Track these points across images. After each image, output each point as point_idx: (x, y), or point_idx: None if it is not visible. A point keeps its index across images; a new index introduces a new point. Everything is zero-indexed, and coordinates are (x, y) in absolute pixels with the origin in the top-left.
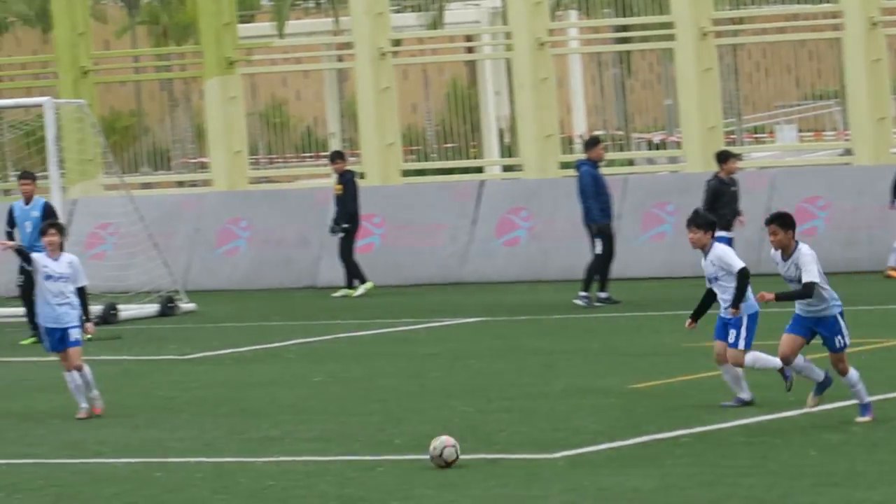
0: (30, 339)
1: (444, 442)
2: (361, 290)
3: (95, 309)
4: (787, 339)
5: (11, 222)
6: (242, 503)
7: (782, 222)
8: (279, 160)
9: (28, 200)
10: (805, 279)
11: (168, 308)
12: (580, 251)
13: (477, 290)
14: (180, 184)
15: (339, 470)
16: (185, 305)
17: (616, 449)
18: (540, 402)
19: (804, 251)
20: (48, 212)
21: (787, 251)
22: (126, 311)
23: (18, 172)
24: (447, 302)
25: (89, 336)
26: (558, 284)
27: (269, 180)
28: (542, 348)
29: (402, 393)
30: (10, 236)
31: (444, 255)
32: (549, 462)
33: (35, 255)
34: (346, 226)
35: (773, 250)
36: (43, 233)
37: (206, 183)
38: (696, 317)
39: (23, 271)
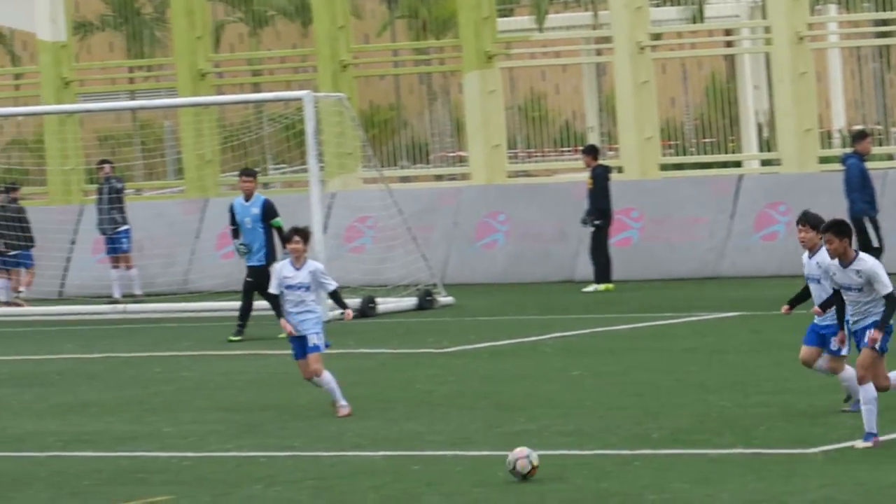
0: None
1: (516, 455)
2: (592, 288)
3: (353, 302)
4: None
5: (233, 220)
6: (500, 496)
7: (837, 230)
8: (537, 154)
9: (248, 197)
10: (883, 291)
11: (426, 301)
12: None
13: (734, 284)
14: (439, 177)
15: (596, 463)
16: (443, 299)
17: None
18: (798, 398)
19: (868, 260)
20: (268, 209)
21: (845, 259)
22: (384, 304)
23: (275, 165)
24: (704, 296)
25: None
26: None
27: (527, 174)
28: (798, 343)
29: (658, 387)
30: (236, 233)
31: (701, 249)
32: (807, 457)
33: (277, 265)
34: (596, 222)
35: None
36: (287, 240)
37: (464, 176)
38: (793, 304)
39: (253, 272)
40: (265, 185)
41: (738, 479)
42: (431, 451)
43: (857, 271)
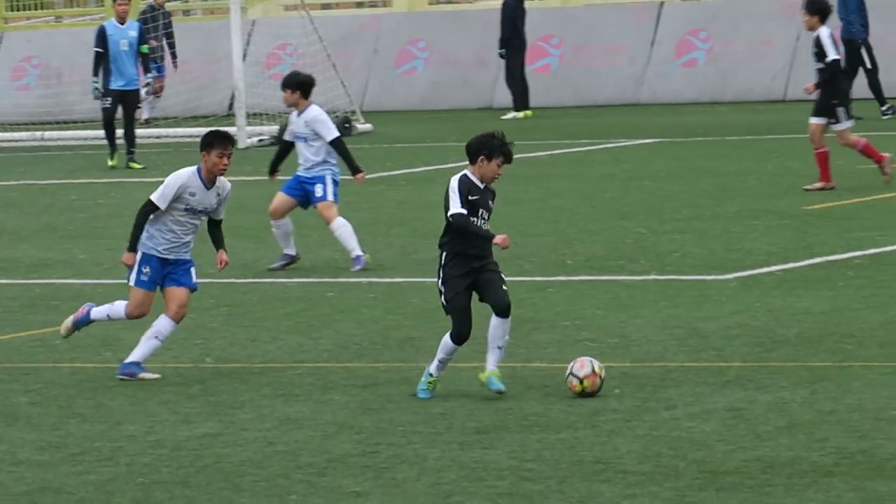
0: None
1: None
2: (510, 115)
3: (272, 129)
4: None
5: (104, 43)
6: (413, 322)
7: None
8: None
9: (122, 20)
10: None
11: (344, 128)
12: (760, 72)
13: (654, 111)
14: (360, 4)
15: (511, 290)
16: (362, 126)
17: (788, 270)
18: (713, 224)
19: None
20: (142, 33)
21: None
22: None
23: None
24: (623, 123)
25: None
26: (736, 106)
27: (449, 1)
28: (717, 169)
29: (574, 214)
30: (100, 57)
31: (621, 76)
32: (721, 283)
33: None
34: (500, 51)
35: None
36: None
37: (385, 4)
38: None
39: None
40: (185, 13)
41: (652, 306)
42: (345, 279)
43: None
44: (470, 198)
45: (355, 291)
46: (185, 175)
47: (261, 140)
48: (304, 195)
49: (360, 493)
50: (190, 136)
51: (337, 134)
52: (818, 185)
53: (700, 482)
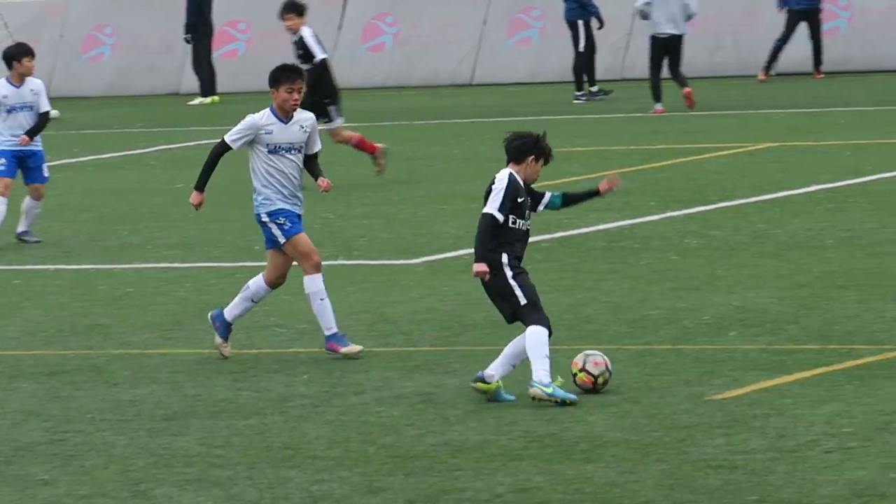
0: None
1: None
2: (198, 101)
3: None
4: None
5: None
6: (102, 309)
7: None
8: None
9: None
10: None
11: None
12: (446, 57)
13: (343, 95)
14: None
15: (199, 276)
16: (51, 112)
17: None
18: (401, 208)
19: None
20: None
21: None
22: None
23: None
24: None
25: None
26: (424, 90)
27: None
28: (404, 154)
29: None
30: None
31: None
32: (409, 268)
33: None
34: (185, 36)
35: None
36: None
37: None
38: None
39: None
40: None
41: (340, 291)
42: (32, 266)
43: None
44: (518, 200)
45: (42, 278)
46: (257, 115)
47: None
48: None
49: (48, 481)
50: None
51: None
52: (377, 164)
53: (389, 466)
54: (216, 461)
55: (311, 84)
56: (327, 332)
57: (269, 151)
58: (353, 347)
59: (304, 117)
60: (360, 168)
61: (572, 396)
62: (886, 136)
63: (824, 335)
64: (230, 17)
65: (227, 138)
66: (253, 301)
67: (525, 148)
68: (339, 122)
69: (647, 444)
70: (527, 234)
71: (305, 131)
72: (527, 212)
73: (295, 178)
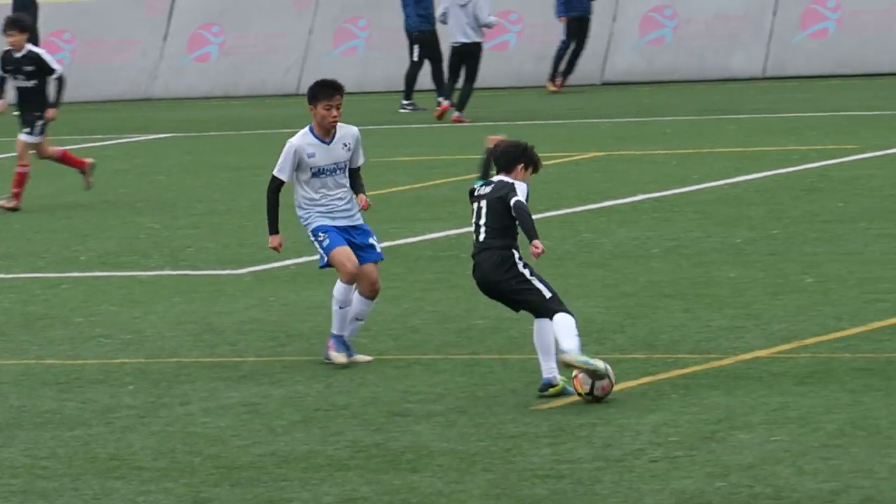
0: None
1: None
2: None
3: None
4: None
5: None
6: None
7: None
8: None
9: None
10: None
11: None
12: (273, 67)
13: (167, 106)
14: None
15: (24, 287)
16: None
17: (302, 265)
18: (227, 218)
19: None
20: None
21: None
22: None
23: None
24: (137, 118)
25: None
26: (249, 100)
27: None
28: (231, 164)
29: (88, 210)
30: None
31: (134, 71)
32: (235, 278)
33: None
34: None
35: None
36: None
37: None
38: None
39: None
40: None
41: (166, 301)
42: None
43: None
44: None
45: None
46: (295, 140)
47: None
48: None
49: None
50: None
51: None
52: (86, 180)
53: (215, 477)
54: (41, 472)
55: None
56: (332, 331)
57: (313, 175)
58: (339, 357)
59: (347, 134)
60: (188, 178)
61: (600, 364)
62: (712, 146)
63: (650, 344)
64: (56, 27)
65: (276, 172)
66: (358, 319)
67: (514, 156)
68: (38, 139)
69: (473, 453)
70: None
71: (349, 149)
72: None
73: (338, 196)
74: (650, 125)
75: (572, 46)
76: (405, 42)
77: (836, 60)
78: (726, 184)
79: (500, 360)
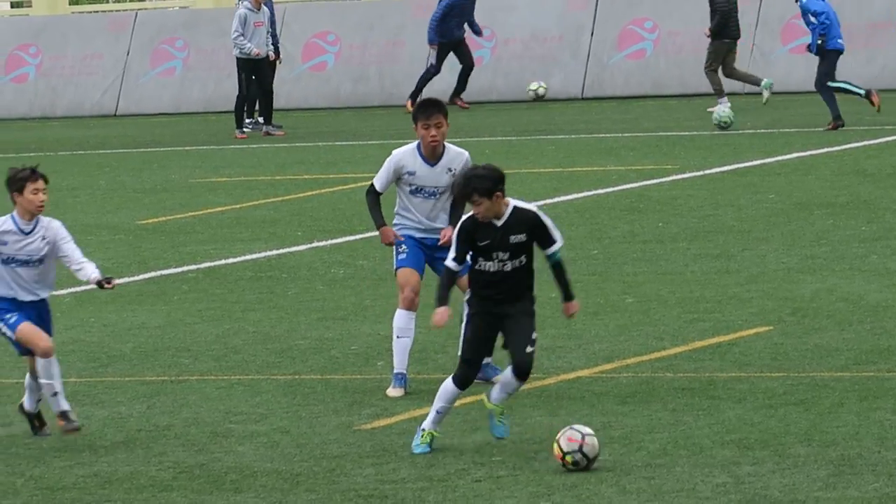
0: None
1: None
2: None
3: None
4: None
5: None
6: None
7: None
8: None
9: None
10: None
11: None
12: (90, 87)
13: None
14: None
15: None
16: None
17: (123, 285)
18: None
19: None
20: None
21: None
22: None
23: None
24: None
25: None
26: (68, 121)
27: None
28: (49, 185)
29: None
30: None
31: None
32: (56, 299)
33: None
34: None
35: None
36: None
37: None
38: None
39: None
40: None
41: None
42: None
43: None
44: (479, 244)
45: None
46: (399, 153)
47: None
48: None
49: None
50: None
51: None
52: None
53: (38, 499)
54: None
55: None
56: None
57: (411, 192)
58: (397, 391)
59: (456, 159)
60: (4, 200)
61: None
62: (530, 166)
63: None
64: None
65: (375, 181)
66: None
67: (492, 184)
68: None
69: (296, 473)
70: (500, 273)
71: (453, 174)
72: (495, 253)
73: (433, 216)
74: (469, 146)
75: (439, 71)
76: (223, 63)
77: (653, 81)
78: (545, 204)
79: (322, 381)
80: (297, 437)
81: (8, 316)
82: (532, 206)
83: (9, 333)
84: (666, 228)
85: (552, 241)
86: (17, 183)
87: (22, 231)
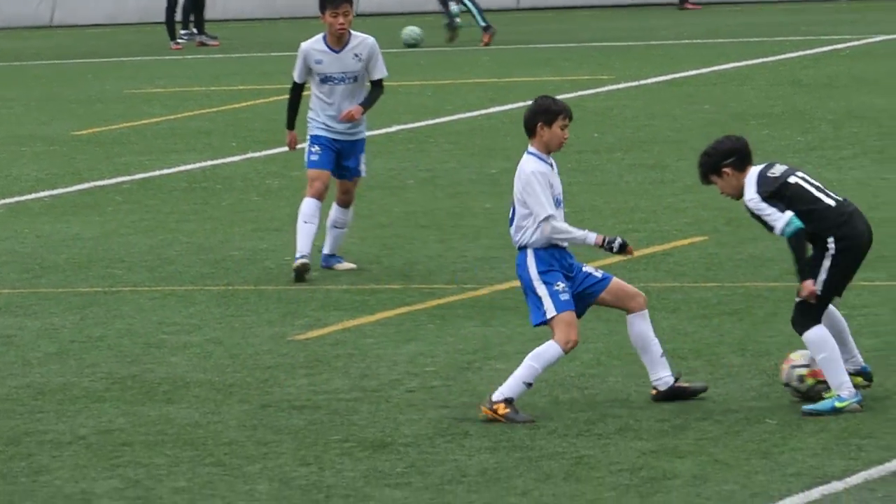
0: None
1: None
2: None
3: None
4: None
5: None
6: None
7: None
8: None
9: None
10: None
11: None
12: None
13: None
14: None
15: None
16: None
17: (57, 196)
18: None
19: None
20: None
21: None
22: None
23: None
24: None
25: None
26: (3, 32)
27: None
28: None
29: None
30: None
31: None
32: None
33: None
34: None
35: None
36: None
37: None
38: None
39: None
40: None
41: None
42: None
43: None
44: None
45: None
46: (307, 44)
47: None
48: None
49: None
50: None
51: None
52: None
53: None
54: None
55: None
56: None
57: (321, 81)
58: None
59: (363, 44)
60: None
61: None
62: (466, 77)
63: (406, 275)
64: None
65: (293, 74)
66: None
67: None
68: None
69: (229, 384)
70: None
71: (360, 59)
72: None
73: (346, 106)
74: (405, 56)
75: None
76: None
77: None
78: (480, 115)
79: (255, 291)
80: (231, 348)
81: None
82: None
83: None
84: (601, 139)
85: None
86: None
87: None
